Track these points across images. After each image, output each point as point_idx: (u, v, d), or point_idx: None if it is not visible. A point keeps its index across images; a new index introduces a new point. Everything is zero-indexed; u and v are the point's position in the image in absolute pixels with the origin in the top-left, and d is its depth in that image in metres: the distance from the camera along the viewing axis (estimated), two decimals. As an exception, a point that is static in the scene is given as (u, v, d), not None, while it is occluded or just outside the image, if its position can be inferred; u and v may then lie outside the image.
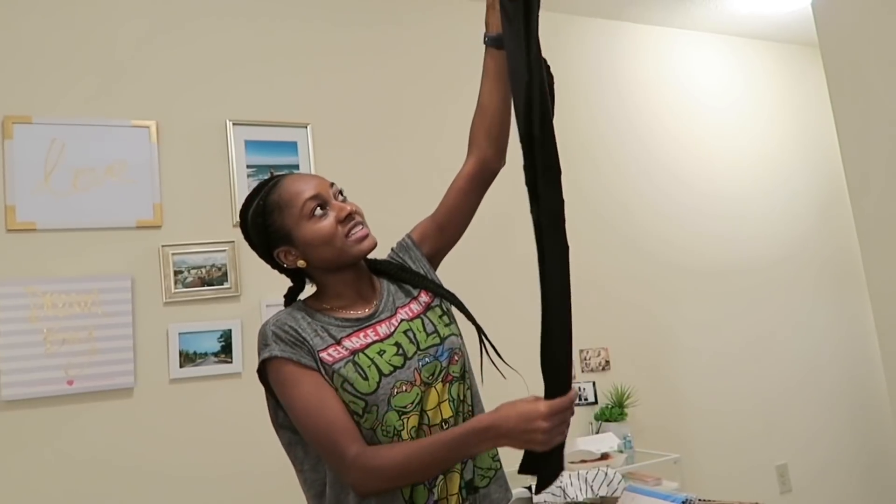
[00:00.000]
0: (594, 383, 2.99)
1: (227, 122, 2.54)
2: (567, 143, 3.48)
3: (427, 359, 1.18)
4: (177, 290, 2.36)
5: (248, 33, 2.67)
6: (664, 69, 3.58)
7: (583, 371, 3.03)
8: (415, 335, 1.20)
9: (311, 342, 1.16)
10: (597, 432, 2.87)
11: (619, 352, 3.13)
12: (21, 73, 2.31)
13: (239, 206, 2.52)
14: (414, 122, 2.89)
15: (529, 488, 2.27)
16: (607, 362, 3.09)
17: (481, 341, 1.26)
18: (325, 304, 1.24)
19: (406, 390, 1.15)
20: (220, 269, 2.43)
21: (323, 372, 1.14)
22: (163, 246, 2.37)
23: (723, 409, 3.33)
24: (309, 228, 1.18)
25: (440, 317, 1.26)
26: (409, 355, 1.18)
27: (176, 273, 2.37)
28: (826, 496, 3.51)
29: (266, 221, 1.21)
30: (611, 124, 3.34)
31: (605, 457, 2.57)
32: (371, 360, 1.15)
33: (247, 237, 1.26)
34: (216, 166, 2.52)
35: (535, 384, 1.13)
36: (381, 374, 1.14)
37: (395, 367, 1.16)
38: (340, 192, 1.24)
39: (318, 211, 1.18)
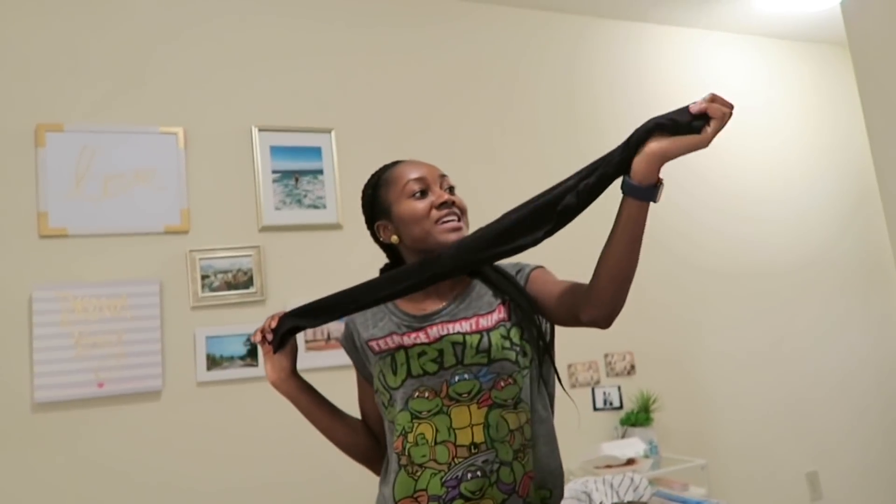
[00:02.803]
0: (619, 388, 2.96)
1: (253, 128, 2.58)
2: (591, 145, 3.46)
3: (466, 375, 1.16)
4: (203, 295, 2.39)
5: (273, 40, 2.70)
6: (690, 70, 3.55)
7: (608, 375, 3.01)
8: (463, 349, 1.17)
9: (363, 336, 1.27)
10: (622, 437, 2.85)
11: (645, 356, 3.10)
12: (53, 82, 2.37)
13: (264, 212, 2.57)
14: (437, 127, 2.90)
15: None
16: (633, 366, 3.06)
17: (543, 357, 1.24)
18: None
19: (427, 397, 1.15)
20: (245, 273, 2.46)
21: (368, 356, 1.26)
22: (190, 251, 2.40)
23: (751, 415, 3.28)
24: (406, 206, 1.24)
25: (502, 338, 1.19)
26: (446, 366, 1.16)
27: (203, 277, 2.40)
28: (858, 504, 3.44)
29: (375, 194, 1.31)
30: (635, 126, 3.31)
31: (630, 462, 2.54)
32: (407, 358, 1.18)
33: (362, 208, 1.36)
34: (242, 172, 2.55)
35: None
36: (409, 374, 1.17)
37: (426, 373, 1.17)
38: (451, 188, 1.28)
39: (419, 193, 1.24)
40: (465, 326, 1.20)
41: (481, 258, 1.09)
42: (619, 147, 1.05)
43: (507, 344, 1.19)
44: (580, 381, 2.94)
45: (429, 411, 1.15)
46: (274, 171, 2.58)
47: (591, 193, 1.05)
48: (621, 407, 2.94)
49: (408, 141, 2.79)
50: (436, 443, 1.13)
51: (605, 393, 2.94)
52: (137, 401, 2.27)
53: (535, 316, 1.23)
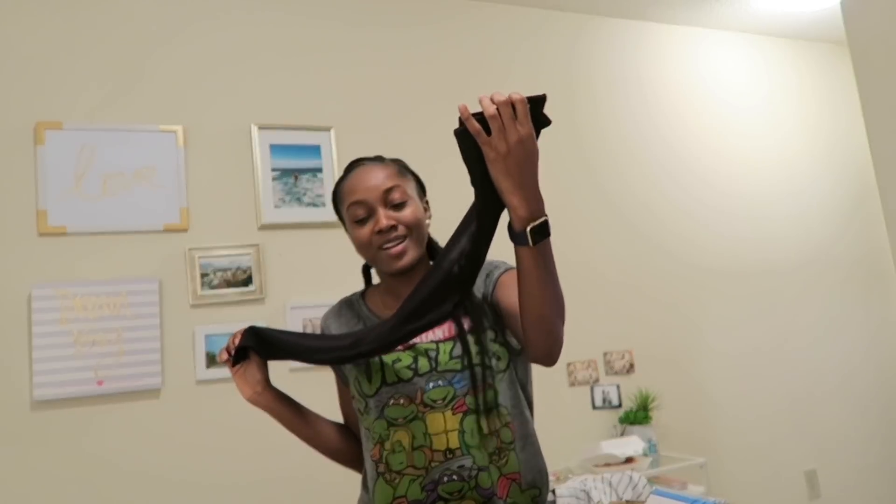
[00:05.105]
0: (618, 386, 2.97)
1: (252, 126, 2.57)
2: (590, 144, 3.48)
3: (440, 382, 1.14)
4: (203, 293, 2.39)
5: (273, 38, 2.70)
6: (689, 69, 3.55)
7: (607, 374, 3.01)
8: (437, 355, 1.15)
9: None
10: (621, 436, 2.85)
11: (644, 354, 3.10)
12: (52, 80, 2.36)
13: (264, 210, 2.57)
14: (435, 125, 2.89)
15: (553, 491, 2.26)
16: (632, 365, 3.06)
17: (517, 360, 1.21)
18: (378, 297, 1.29)
19: (403, 404, 1.14)
20: (245, 271, 2.46)
21: (341, 364, 1.25)
22: (189, 249, 2.40)
23: (750, 413, 3.28)
24: (351, 231, 1.24)
25: (476, 342, 1.17)
26: (421, 373, 1.15)
27: (202, 276, 2.40)
28: (856, 503, 3.44)
29: (336, 206, 1.29)
30: (635, 125, 3.32)
31: (629, 460, 2.55)
32: (382, 365, 1.16)
33: None
34: (241, 170, 2.55)
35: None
36: (383, 381, 1.16)
37: (401, 380, 1.15)
38: (399, 203, 1.21)
39: (361, 218, 1.21)
40: (437, 334, 1.18)
41: (398, 338, 1.09)
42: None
43: (479, 349, 1.16)
44: (579, 379, 2.94)
45: (404, 418, 1.14)
46: (273, 170, 2.58)
47: (470, 258, 1.04)
48: (620, 405, 2.95)
49: (406, 139, 2.79)
50: (413, 448, 1.12)
51: (603, 391, 2.95)
52: (137, 399, 2.27)
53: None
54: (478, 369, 1.14)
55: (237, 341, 1.16)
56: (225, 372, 2.35)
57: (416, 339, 1.17)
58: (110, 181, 2.36)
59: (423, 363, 1.15)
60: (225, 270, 2.44)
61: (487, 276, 1.23)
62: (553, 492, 2.26)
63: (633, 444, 2.63)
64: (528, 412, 1.22)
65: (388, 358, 1.16)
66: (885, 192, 2.14)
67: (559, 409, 2.84)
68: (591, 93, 3.27)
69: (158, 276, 2.36)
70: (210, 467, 2.31)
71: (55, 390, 2.16)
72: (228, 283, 2.43)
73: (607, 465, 2.53)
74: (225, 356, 1.17)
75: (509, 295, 1.14)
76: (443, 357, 1.15)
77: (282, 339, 1.16)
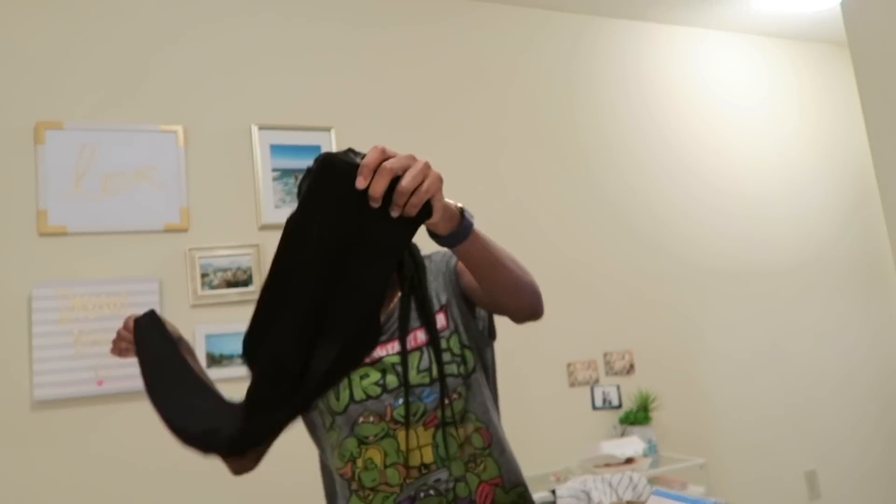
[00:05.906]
0: (618, 387, 2.97)
1: (253, 126, 2.58)
2: (590, 143, 3.47)
3: (410, 398, 1.11)
4: (203, 293, 2.39)
5: (273, 39, 2.70)
6: (689, 69, 3.55)
7: (607, 374, 3.01)
8: (405, 370, 1.11)
9: None
10: (621, 436, 2.85)
11: (644, 355, 3.10)
12: (53, 80, 2.37)
13: (264, 210, 2.56)
14: (436, 126, 2.90)
15: (553, 492, 2.27)
16: (632, 365, 3.07)
17: (484, 355, 1.20)
18: None
19: (373, 421, 1.11)
20: (245, 271, 2.46)
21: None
22: (190, 249, 2.40)
23: (750, 414, 3.29)
24: None
25: (443, 351, 1.15)
26: (389, 388, 1.12)
27: (202, 276, 2.40)
28: (856, 503, 3.44)
29: None
30: (635, 125, 3.32)
31: (629, 461, 2.55)
32: (350, 381, 1.14)
33: None
34: (242, 170, 2.55)
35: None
36: (352, 398, 1.13)
37: (369, 397, 1.12)
38: None
39: None
40: (408, 342, 1.14)
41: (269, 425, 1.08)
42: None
43: (448, 357, 1.14)
44: (579, 379, 2.94)
45: (375, 436, 1.11)
46: (274, 170, 2.58)
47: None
48: (620, 406, 2.95)
49: (407, 139, 2.79)
50: (385, 466, 1.10)
51: (604, 392, 2.95)
52: (137, 399, 2.27)
53: (476, 311, 1.19)
54: (448, 379, 1.13)
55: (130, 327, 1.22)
56: (226, 372, 2.36)
57: (383, 353, 1.14)
58: (111, 181, 2.37)
59: (391, 379, 1.12)
60: (225, 270, 2.44)
61: (446, 265, 1.21)
62: (553, 492, 2.26)
63: (633, 444, 2.63)
64: (496, 415, 1.20)
65: (355, 374, 1.13)
66: (885, 192, 2.14)
67: (559, 410, 2.84)
68: (592, 93, 3.27)
69: (159, 276, 2.36)
70: (210, 467, 2.31)
71: (55, 390, 2.17)
72: (228, 283, 2.43)
73: (607, 465, 2.53)
74: (123, 346, 1.21)
75: (473, 279, 1.14)
76: (410, 371, 1.12)
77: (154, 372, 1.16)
